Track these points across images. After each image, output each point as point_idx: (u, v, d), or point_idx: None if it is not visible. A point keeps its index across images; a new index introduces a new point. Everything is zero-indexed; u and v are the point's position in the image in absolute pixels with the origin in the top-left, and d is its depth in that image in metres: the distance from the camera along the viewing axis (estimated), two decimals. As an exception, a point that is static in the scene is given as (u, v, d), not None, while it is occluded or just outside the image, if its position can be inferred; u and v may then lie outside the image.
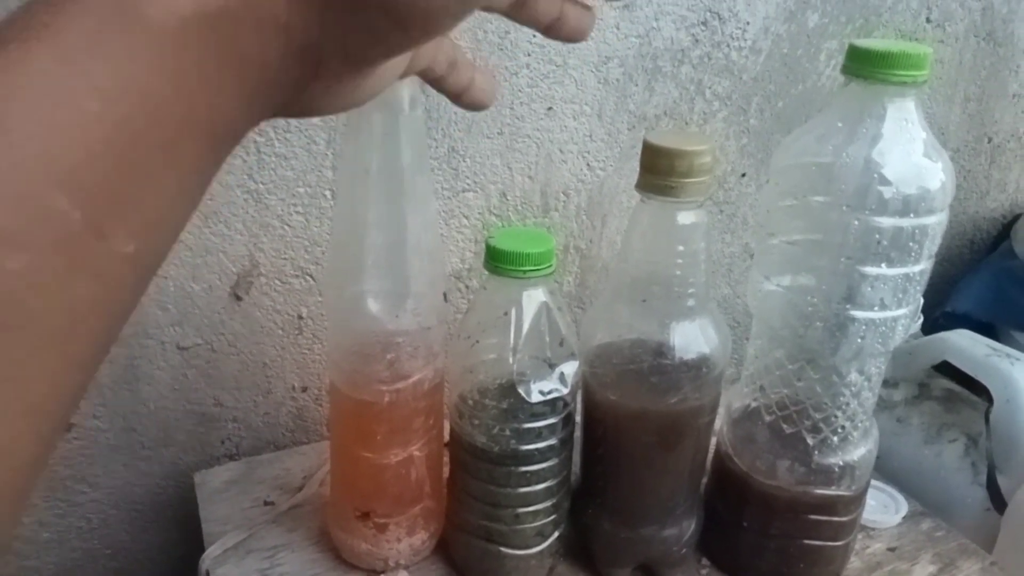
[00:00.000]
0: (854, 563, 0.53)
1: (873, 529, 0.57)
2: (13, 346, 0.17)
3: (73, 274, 0.18)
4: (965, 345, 0.69)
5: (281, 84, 0.21)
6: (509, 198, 0.64)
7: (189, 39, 0.18)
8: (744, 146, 0.73)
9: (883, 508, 0.59)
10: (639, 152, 0.43)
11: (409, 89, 0.39)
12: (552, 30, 0.27)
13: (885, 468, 0.65)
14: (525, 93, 0.61)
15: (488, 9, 0.25)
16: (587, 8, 0.27)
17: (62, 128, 0.17)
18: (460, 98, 0.32)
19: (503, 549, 0.47)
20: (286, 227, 0.58)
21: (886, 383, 0.74)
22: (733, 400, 0.51)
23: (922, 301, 0.75)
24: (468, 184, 0.62)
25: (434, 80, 0.31)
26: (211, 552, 0.50)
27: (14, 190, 0.16)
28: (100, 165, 0.17)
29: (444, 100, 0.60)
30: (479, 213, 0.64)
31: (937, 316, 0.84)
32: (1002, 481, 0.64)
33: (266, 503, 0.55)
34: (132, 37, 0.18)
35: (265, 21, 0.20)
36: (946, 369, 0.72)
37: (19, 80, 0.17)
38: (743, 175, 0.74)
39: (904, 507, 0.59)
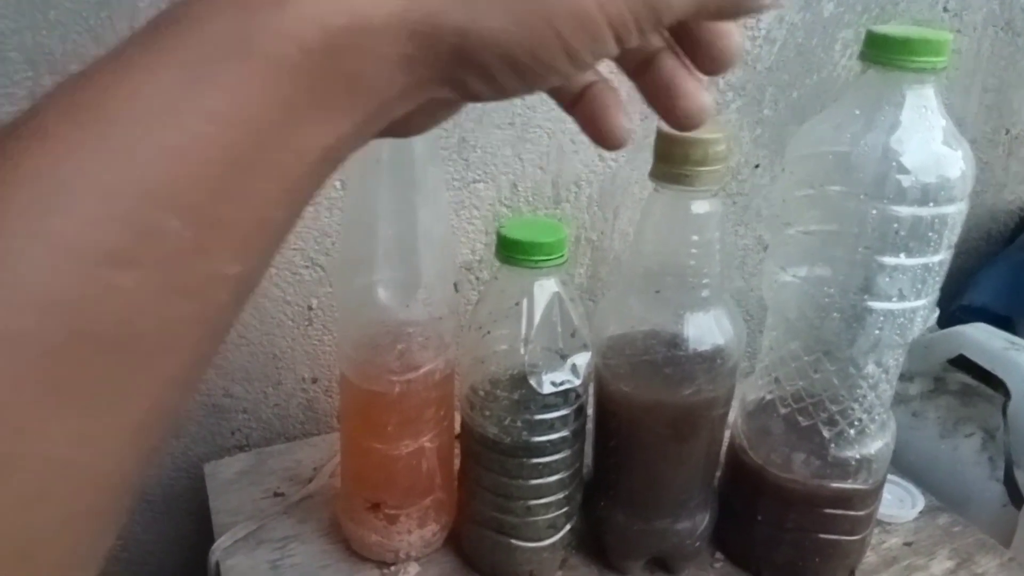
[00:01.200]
0: (870, 558, 0.52)
1: (889, 524, 0.56)
2: (119, 365, 0.17)
3: (178, 294, 0.18)
4: (982, 339, 0.68)
5: (392, 112, 0.21)
6: (520, 189, 0.64)
7: (309, 70, 0.19)
8: (758, 137, 0.72)
9: (899, 502, 0.58)
10: (651, 142, 0.42)
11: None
12: (664, 107, 0.25)
13: (901, 462, 0.64)
14: (537, 83, 0.60)
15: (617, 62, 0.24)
16: (701, 83, 0.25)
17: (177, 151, 0.17)
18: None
19: (515, 541, 0.47)
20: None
21: (901, 377, 0.72)
22: (747, 392, 0.51)
23: (938, 294, 0.74)
24: (479, 175, 0.62)
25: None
26: (221, 543, 0.50)
27: (127, 207, 0.17)
28: (211, 188, 0.18)
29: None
30: (490, 204, 0.63)
31: (954, 309, 0.83)
32: (1020, 476, 0.63)
33: (276, 494, 0.55)
34: (250, 65, 0.18)
35: (388, 56, 0.20)
36: (962, 363, 0.71)
37: (141, 100, 0.17)
38: (757, 166, 0.73)
39: (921, 501, 0.58)
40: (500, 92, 0.22)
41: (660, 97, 0.25)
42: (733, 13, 0.23)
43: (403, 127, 0.23)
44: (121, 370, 0.18)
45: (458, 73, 0.21)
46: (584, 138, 0.70)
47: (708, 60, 0.25)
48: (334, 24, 0.18)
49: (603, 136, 0.26)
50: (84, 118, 0.17)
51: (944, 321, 0.76)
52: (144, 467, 0.19)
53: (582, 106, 0.26)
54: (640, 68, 0.25)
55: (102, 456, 0.18)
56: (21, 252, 0.16)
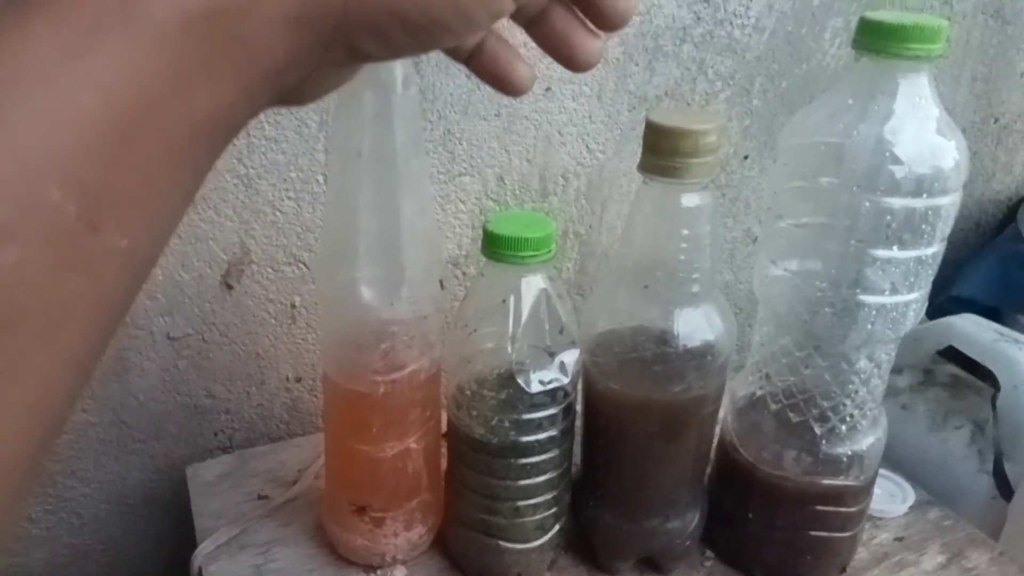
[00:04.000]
0: (861, 554, 0.52)
1: (880, 519, 0.56)
2: (4, 344, 0.17)
3: (65, 269, 0.17)
4: (971, 330, 0.68)
5: (284, 78, 0.21)
6: (507, 182, 0.63)
7: (194, 36, 0.18)
8: (747, 127, 0.71)
9: (890, 497, 0.57)
10: (640, 134, 0.41)
11: (402, 67, 0.38)
12: (558, 56, 0.27)
13: (890, 455, 0.64)
14: (522, 74, 0.59)
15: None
16: (597, 36, 0.26)
17: (58, 120, 0.17)
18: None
19: (502, 543, 0.46)
20: (278, 213, 0.56)
21: (891, 369, 0.73)
22: (738, 389, 0.50)
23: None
24: (464, 168, 0.61)
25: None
26: (204, 548, 0.49)
27: (6, 180, 0.16)
28: (95, 159, 0.17)
29: (439, 80, 0.58)
30: (476, 198, 0.62)
31: (942, 300, 0.83)
32: (1009, 468, 0.63)
33: (260, 497, 0.54)
34: (134, 31, 0.17)
35: (275, 19, 0.19)
36: (952, 354, 0.70)
37: (17, 68, 0.16)
38: (746, 157, 0.72)
39: (911, 496, 0.57)
40: (394, 52, 0.22)
41: (554, 48, 0.26)
42: None
43: (297, 95, 0.23)
44: (7, 349, 0.17)
45: (348, 34, 0.21)
46: (572, 130, 0.69)
47: (601, 18, 0.25)
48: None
49: (504, 85, 0.27)
50: None
51: (933, 312, 0.76)
52: (43, 451, 0.18)
53: (477, 60, 0.27)
54: (533, 22, 0.26)
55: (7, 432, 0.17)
56: None
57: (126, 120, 0.18)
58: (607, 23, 0.25)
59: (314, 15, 0.20)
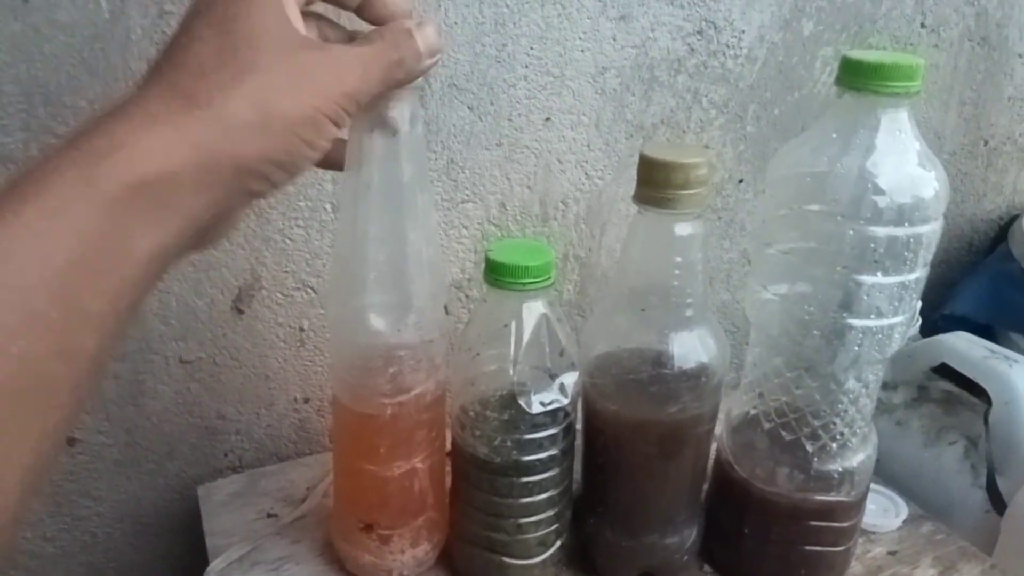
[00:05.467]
0: (855, 568, 0.53)
1: (874, 533, 0.57)
2: (10, 415, 0.24)
3: (52, 358, 0.25)
4: (963, 347, 0.70)
5: (200, 221, 0.29)
6: (508, 208, 0.65)
7: (131, 199, 0.26)
8: (741, 153, 0.73)
9: (883, 512, 0.59)
10: (637, 160, 0.43)
11: (409, 106, 0.40)
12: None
13: (885, 471, 0.66)
14: (523, 104, 0.62)
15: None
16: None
17: (44, 257, 0.25)
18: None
19: (506, 559, 0.48)
20: (287, 240, 0.58)
21: (885, 386, 0.74)
22: (733, 407, 0.52)
23: (920, 304, 0.75)
24: (467, 195, 0.63)
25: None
26: (215, 566, 0.50)
27: (16, 297, 0.24)
28: (69, 283, 0.25)
29: (443, 113, 0.60)
30: (479, 223, 0.64)
31: (936, 319, 0.85)
32: (1001, 483, 0.64)
33: (270, 515, 0.56)
34: (91, 199, 0.26)
35: (187, 186, 0.28)
36: (945, 371, 0.72)
37: (19, 225, 0.25)
38: (740, 181, 0.74)
39: (904, 511, 0.59)
40: (275, 186, 0.31)
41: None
42: (410, 80, 0.35)
43: (207, 239, 0.32)
44: (12, 420, 0.24)
45: (242, 184, 0.30)
46: (571, 158, 0.71)
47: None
48: (146, 171, 0.27)
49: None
50: None
51: (926, 330, 0.77)
52: (25, 508, 0.25)
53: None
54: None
55: (5, 478, 0.24)
56: None
57: (89, 258, 0.26)
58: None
59: (216, 180, 0.29)
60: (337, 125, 0.32)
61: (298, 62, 0.30)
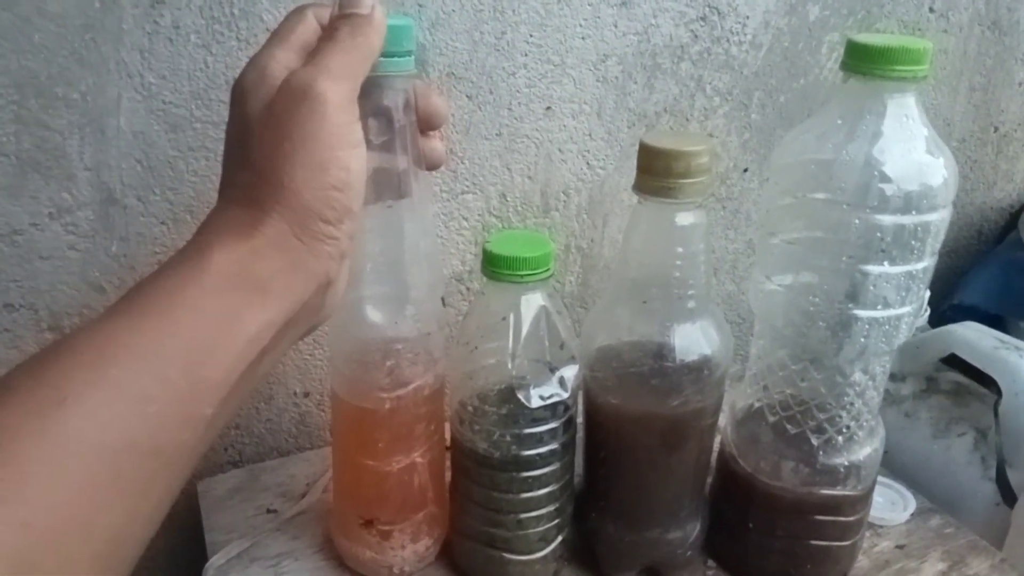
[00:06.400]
0: (862, 562, 0.53)
1: (881, 527, 0.56)
2: (148, 469, 0.28)
3: (180, 425, 0.28)
4: (973, 338, 0.69)
5: (305, 301, 0.33)
6: (509, 199, 0.64)
7: (235, 288, 0.31)
8: (746, 141, 0.72)
9: (891, 505, 0.58)
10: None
11: (404, 94, 0.39)
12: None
13: (894, 463, 0.65)
14: (523, 93, 0.61)
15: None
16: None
17: (171, 333, 0.29)
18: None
19: (506, 555, 0.47)
20: (285, 233, 0.57)
21: (894, 377, 0.73)
22: (737, 400, 0.51)
23: (928, 294, 0.74)
24: (467, 186, 0.62)
25: None
26: (215, 561, 0.50)
27: (151, 367, 0.28)
28: (194, 358, 0.29)
29: (440, 103, 0.59)
30: (479, 215, 0.63)
31: (945, 308, 0.84)
32: (1012, 475, 0.63)
33: (269, 511, 0.55)
34: (201, 287, 0.30)
35: (279, 269, 0.32)
36: (954, 362, 0.71)
37: (144, 307, 0.29)
38: (745, 170, 0.73)
39: (912, 504, 0.58)
40: (342, 257, 0.34)
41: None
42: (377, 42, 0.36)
43: (321, 315, 0.36)
44: (145, 480, 0.27)
45: (316, 247, 0.33)
46: (573, 147, 0.70)
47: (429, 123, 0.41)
48: (241, 267, 0.31)
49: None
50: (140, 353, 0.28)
51: (935, 320, 0.76)
52: (140, 550, 0.29)
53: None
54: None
55: (134, 533, 0.28)
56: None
57: (206, 333, 0.29)
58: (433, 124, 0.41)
59: (299, 266, 0.32)
60: (356, 123, 0.34)
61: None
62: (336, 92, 0.32)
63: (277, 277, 0.32)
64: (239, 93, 0.34)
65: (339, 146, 0.33)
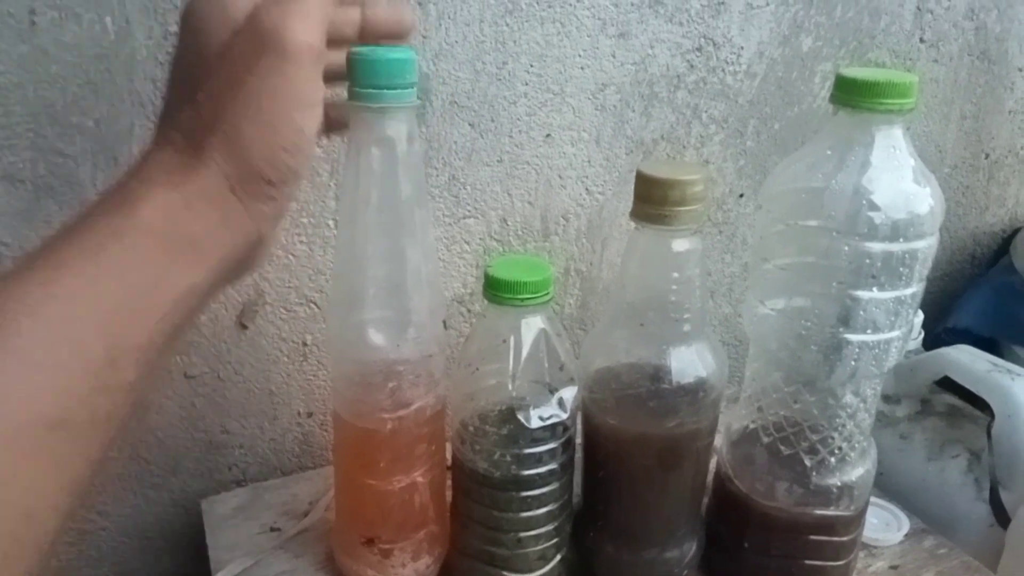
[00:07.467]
0: (856, 582, 0.53)
1: (875, 547, 0.57)
2: (62, 442, 0.26)
3: (98, 392, 0.27)
4: (966, 361, 0.70)
5: (235, 258, 0.32)
6: (510, 223, 0.65)
7: (161, 247, 0.29)
8: (742, 167, 0.73)
9: (885, 526, 0.59)
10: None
11: (407, 125, 0.40)
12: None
13: (889, 485, 0.65)
14: (524, 121, 0.62)
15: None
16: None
17: (88, 298, 0.27)
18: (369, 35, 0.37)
19: (506, 573, 0.48)
20: (290, 256, 0.59)
21: (888, 399, 0.74)
22: (732, 421, 0.52)
23: (922, 317, 0.75)
24: (469, 211, 0.63)
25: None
26: (219, 579, 0.51)
27: (64, 333, 0.26)
28: (114, 321, 0.27)
29: (444, 130, 0.61)
30: (480, 239, 0.65)
31: (939, 331, 0.85)
32: (1005, 497, 0.64)
33: (273, 529, 0.56)
34: (124, 247, 0.28)
35: (216, 230, 0.30)
36: (948, 384, 0.72)
37: (61, 272, 0.27)
38: (741, 196, 0.75)
39: (906, 525, 0.59)
40: (291, 176, 0.31)
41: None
42: None
43: (242, 269, 0.34)
44: (55, 452, 0.26)
45: (258, 194, 0.31)
46: (572, 173, 0.72)
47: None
48: (168, 226, 0.29)
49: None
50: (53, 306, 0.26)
51: (930, 343, 0.78)
52: (59, 538, 0.27)
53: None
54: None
55: (47, 506, 0.26)
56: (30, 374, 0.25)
57: (127, 296, 0.27)
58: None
59: (234, 219, 0.30)
60: (319, 81, 0.32)
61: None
62: (305, 43, 0.30)
63: (208, 234, 0.29)
64: (195, 18, 0.31)
65: (297, 106, 0.30)
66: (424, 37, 0.57)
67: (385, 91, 0.38)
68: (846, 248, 0.42)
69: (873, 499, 0.52)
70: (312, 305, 0.61)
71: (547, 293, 0.44)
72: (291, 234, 0.58)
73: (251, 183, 0.30)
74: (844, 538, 0.49)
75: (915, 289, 0.44)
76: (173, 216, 0.29)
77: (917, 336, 0.76)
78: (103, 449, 0.28)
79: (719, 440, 0.51)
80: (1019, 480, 0.64)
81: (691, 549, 0.51)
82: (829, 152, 0.43)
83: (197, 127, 0.30)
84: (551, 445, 0.46)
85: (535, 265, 0.45)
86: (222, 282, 0.32)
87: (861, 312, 0.43)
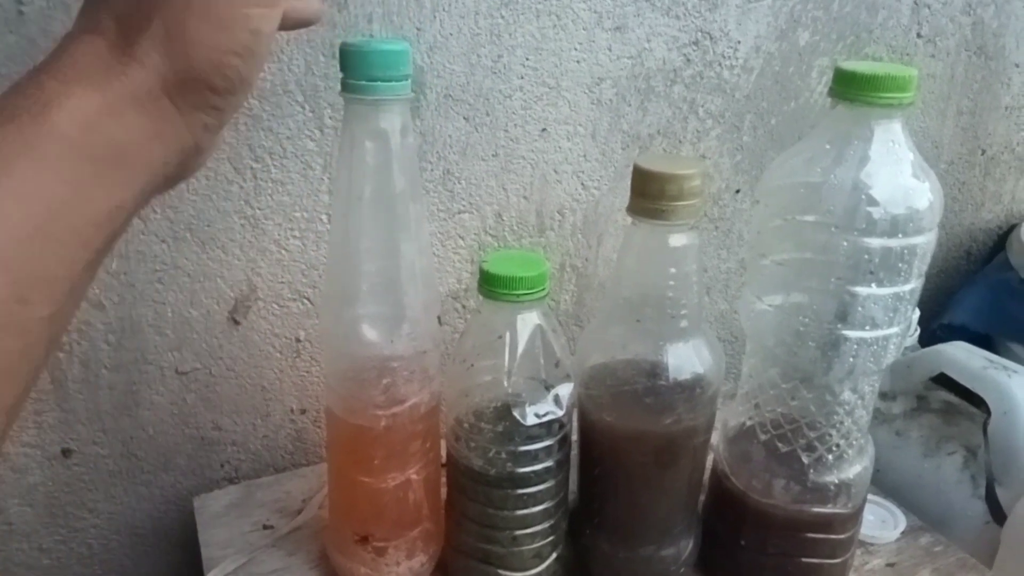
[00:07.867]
0: (853, 579, 0.53)
1: (872, 545, 0.57)
2: None
3: (5, 332, 0.23)
4: (962, 357, 0.70)
5: (166, 173, 0.28)
6: (505, 219, 0.65)
7: (79, 156, 0.24)
8: (738, 163, 0.73)
9: (881, 523, 0.59)
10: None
11: (400, 118, 0.40)
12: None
13: (885, 482, 0.65)
14: (519, 115, 0.62)
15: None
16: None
17: None
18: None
19: (501, 571, 0.48)
20: (283, 251, 0.58)
21: (885, 396, 0.74)
22: (729, 418, 0.52)
23: (918, 313, 0.75)
24: (464, 206, 0.63)
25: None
26: (211, 577, 0.50)
27: None
28: (21, 250, 0.23)
29: (439, 124, 0.60)
30: (475, 234, 0.64)
31: (935, 328, 0.85)
32: (1001, 493, 0.64)
33: (265, 527, 0.56)
34: (37, 162, 0.24)
35: (138, 128, 0.26)
36: (944, 381, 0.72)
37: None
38: (737, 191, 0.74)
39: (903, 522, 0.59)
40: (229, 112, 0.28)
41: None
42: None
43: (178, 178, 0.30)
44: None
45: (196, 122, 0.27)
46: (568, 168, 0.71)
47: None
48: (91, 135, 0.24)
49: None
50: None
51: (925, 339, 0.77)
52: None
53: None
54: None
55: None
56: None
57: (43, 222, 0.23)
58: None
59: (167, 123, 0.26)
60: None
61: None
62: None
63: (136, 145, 0.25)
64: None
65: (253, 0, 0.26)
66: (419, 30, 0.56)
67: (379, 83, 0.38)
68: (844, 243, 0.42)
69: (870, 496, 0.52)
70: (305, 300, 0.60)
71: (543, 289, 0.44)
72: (284, 229, 0.57)
73: (191, 89, 0.26)
74: (841, 535, 0.49)
75: (913, 285, 0.44)
76: (94, 123, 0.24)
77: (913, 333, 0.76)
78: (19, 395, 0.25)
79: (716, 437, 0.51)
80: (1015, 477, 0.63)
81: (688, 547, 0.50)
82: (827, 146, 0.43)
83: (130, 14, 0.25)
84: (546, 442, 0.45)
85: (530, 260, 0.45)
86: (150, 198, 0.28)
87: (859, 308, 0.43)
